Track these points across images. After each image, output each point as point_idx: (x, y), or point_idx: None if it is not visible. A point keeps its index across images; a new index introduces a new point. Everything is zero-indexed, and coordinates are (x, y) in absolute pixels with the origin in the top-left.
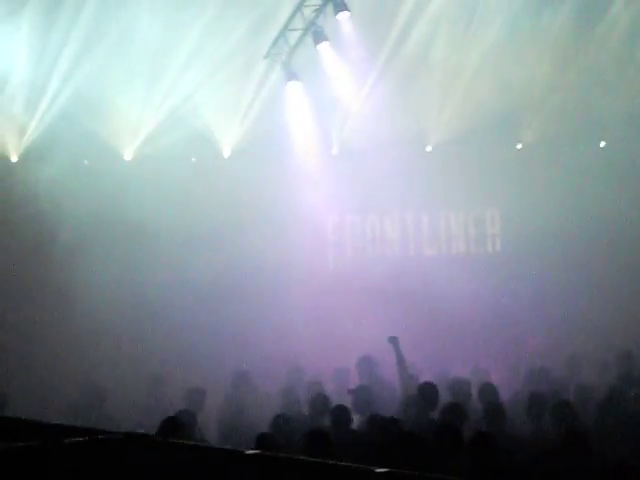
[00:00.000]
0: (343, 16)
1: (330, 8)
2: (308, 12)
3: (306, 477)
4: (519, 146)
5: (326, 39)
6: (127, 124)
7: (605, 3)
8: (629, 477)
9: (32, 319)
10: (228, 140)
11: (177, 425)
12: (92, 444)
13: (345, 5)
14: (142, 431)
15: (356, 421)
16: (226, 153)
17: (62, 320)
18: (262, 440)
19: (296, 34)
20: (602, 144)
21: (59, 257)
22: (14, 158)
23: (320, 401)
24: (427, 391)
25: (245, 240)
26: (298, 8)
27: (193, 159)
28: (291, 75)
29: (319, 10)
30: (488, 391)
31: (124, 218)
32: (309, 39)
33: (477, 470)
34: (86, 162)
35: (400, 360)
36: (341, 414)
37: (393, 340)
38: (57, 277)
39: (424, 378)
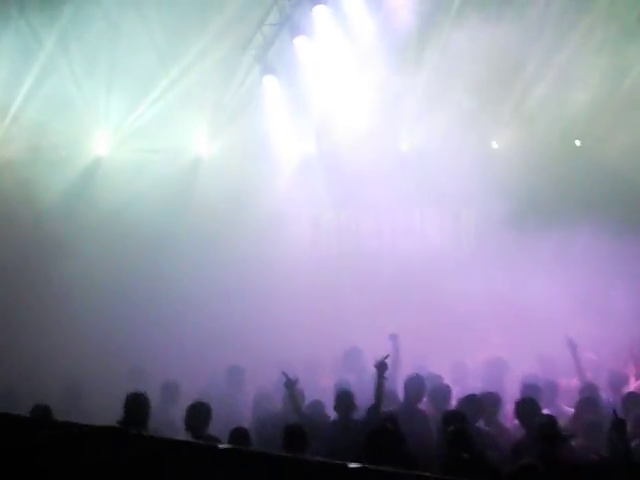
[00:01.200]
0: (319, 10)
1: (307, 2)
2: (285, 6)
3: (281, 473)
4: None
5: (303, 33)
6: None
7: None
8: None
9: (13, 310)
10: (208, 135)
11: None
12: (67, 438)
13: None
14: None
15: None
16: (207, 148)
17: (42, 311)
18: (236, 435)
19: (273, 29)
20: (577, 143)
21: (41, 250)
22: None
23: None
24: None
25: (228, 235)
26: (275, 2)
27: (171, 155)
28: (267, 69)
29: (295, 4)
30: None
31: (104, 212)
32: (286, 34)
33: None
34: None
35: (396, 358)
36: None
37: (393, 337)
38: (38, 269)
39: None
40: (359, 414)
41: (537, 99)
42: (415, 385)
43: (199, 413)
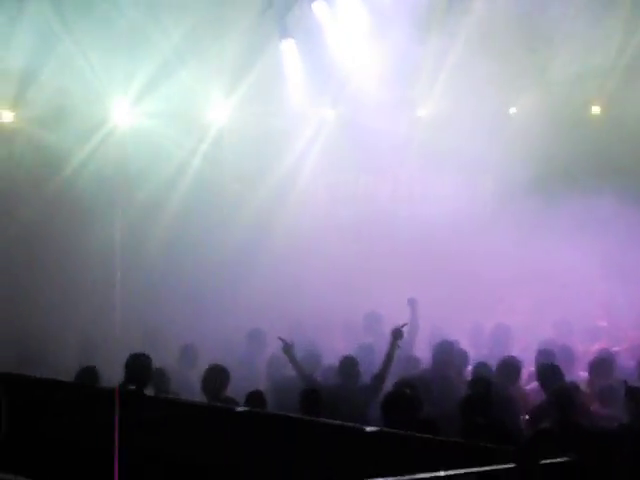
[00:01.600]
0: None
1: None
2: None
3: (297, 434)
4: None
5: None
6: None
7: None
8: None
9: (34, 273)
10: (221, 97)
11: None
12: (84, 398)
13: None
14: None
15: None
16: (219, 111)
17: (58, 271)
18: (252, 398)
19: None
20: (597, 109)
21: (62, 213)
22: None
23: (314, 360)
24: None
25: (246, 199)
26: None
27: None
28: (285, 33)
29: None
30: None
31: (122, 177)
32: None
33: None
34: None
35: (414, 323)
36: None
37: (412, 302)
38: (60, 232)
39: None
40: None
41: (557, 65)
42: (443, 350)
43: (216, 376)
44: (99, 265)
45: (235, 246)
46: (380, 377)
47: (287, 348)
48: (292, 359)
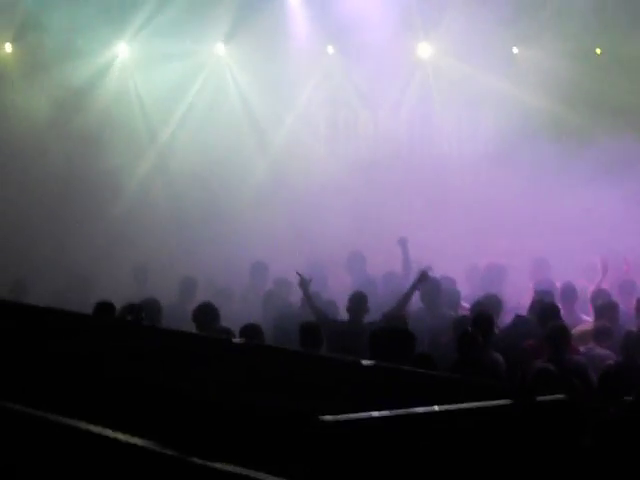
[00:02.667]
0: None
1: None
2: None
3: (294, 367)
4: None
5: None
6: None
7: None
8: None
9: (33, 204)
10: (226, 35)
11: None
12: (80, 328)
13: None
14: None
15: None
16: (225, 49)
17: (63, 204)
18: (246, 331)
19: None
20: (597, 51)
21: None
22: None
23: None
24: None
25: (245, 133)
26: None
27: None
28: None
29: None
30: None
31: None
32: None
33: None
34: None
35: (406, 262)
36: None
37: (402, 242)
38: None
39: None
40: (369, 317)
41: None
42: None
43: (205, 315)
44: (102, 199)
45: (240, 182)
46: (391, 316)
47: (304, 283)
48: (306, 294)
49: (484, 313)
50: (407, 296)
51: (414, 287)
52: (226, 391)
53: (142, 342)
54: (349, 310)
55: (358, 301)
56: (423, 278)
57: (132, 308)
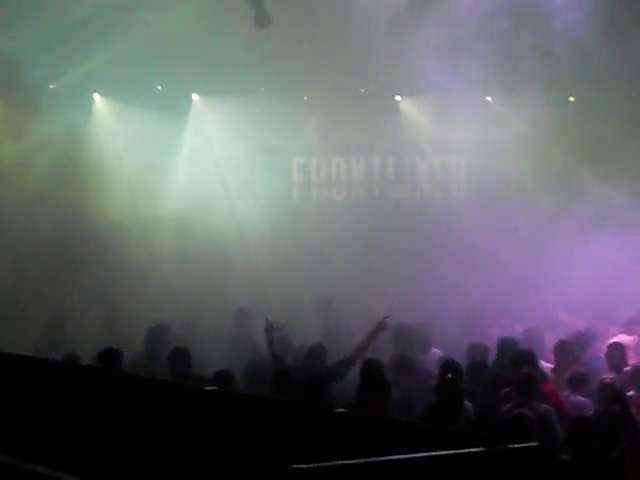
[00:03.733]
0: None
1: None
2: None
3: (266, 414)
4: (489, 98)
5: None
6: None
7: None
8: None
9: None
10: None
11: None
12: (54, 375)
13: None
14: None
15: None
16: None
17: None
18: (221, 376)
19: None
20: (571, 99)
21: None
22: None
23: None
24: None
25: (203, 174)
26: None
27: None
28: (261, 19)
29: None
30: None
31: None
32: None
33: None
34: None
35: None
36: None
37: (381, 324)
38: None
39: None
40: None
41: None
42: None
43: (178, 359)
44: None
45: (197, 223)
46: (349, 361)
47: (269, 329)
48: (269, 339)
49: (453, 360)
50: (364, 343)
51: (372, 335)
52: (198, 439)
53: (115, 389)
54: (306, 361)
55: (316, 353)
56: (381, 326)
57: (108, 354)
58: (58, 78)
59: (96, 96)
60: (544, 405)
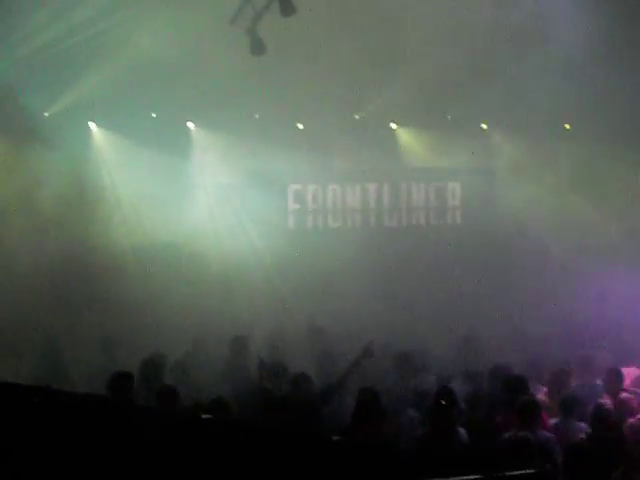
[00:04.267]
0: None
1: None
2: None
3: (260, 441)
4: (484, 126)
5: (294, 11)
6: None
7: None
8: None
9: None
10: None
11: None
12: (49, 404)
13: None
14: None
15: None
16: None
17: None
18: (216, 404)
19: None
20: (567, 126)
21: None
22: None
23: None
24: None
25: (199, 203)
26: None
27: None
28: (256, 46)
29: None
30: None
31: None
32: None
33: None
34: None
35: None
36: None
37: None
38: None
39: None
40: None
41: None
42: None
43: (165, 396)
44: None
45: (189, 252)
46: (334, 388)
47: (262, 366)
48: (261, 375)
49: (446, 387)
50: (350, 371)
51: (357, 362)
52: (193, 466)
53: (112, 418)
54: (293, 387)
55: (301, 382)
56: (365, 353)
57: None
58: (52, 105)
59: (91, 124)
60: (546, 432)
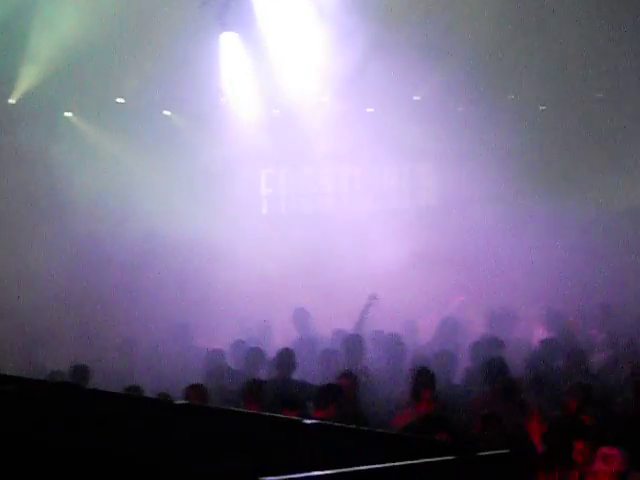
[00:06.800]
0: None
1: None
2: None
3: (235, 427)
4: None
5: None
6: None
7: None
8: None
9: None
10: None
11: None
12: (22, 393)
13: None
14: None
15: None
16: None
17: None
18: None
19: None
20: (542, 108)
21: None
22: None
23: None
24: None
25: (178, 193)
26: None
27: None
28: (225, 26)
29: None
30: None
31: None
32: None
33: None
34: None
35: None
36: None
37: (371, 297)
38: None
39: None
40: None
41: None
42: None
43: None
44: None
45: (168, 242)
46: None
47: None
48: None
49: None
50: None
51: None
52: (166, 453)
53: (82, 405)
54: (277, 367)
55: (285, 358)
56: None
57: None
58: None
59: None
60: None
